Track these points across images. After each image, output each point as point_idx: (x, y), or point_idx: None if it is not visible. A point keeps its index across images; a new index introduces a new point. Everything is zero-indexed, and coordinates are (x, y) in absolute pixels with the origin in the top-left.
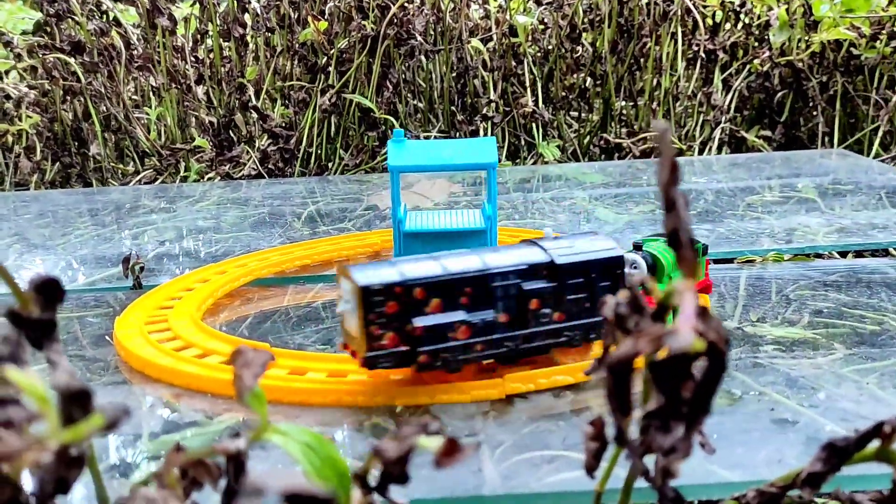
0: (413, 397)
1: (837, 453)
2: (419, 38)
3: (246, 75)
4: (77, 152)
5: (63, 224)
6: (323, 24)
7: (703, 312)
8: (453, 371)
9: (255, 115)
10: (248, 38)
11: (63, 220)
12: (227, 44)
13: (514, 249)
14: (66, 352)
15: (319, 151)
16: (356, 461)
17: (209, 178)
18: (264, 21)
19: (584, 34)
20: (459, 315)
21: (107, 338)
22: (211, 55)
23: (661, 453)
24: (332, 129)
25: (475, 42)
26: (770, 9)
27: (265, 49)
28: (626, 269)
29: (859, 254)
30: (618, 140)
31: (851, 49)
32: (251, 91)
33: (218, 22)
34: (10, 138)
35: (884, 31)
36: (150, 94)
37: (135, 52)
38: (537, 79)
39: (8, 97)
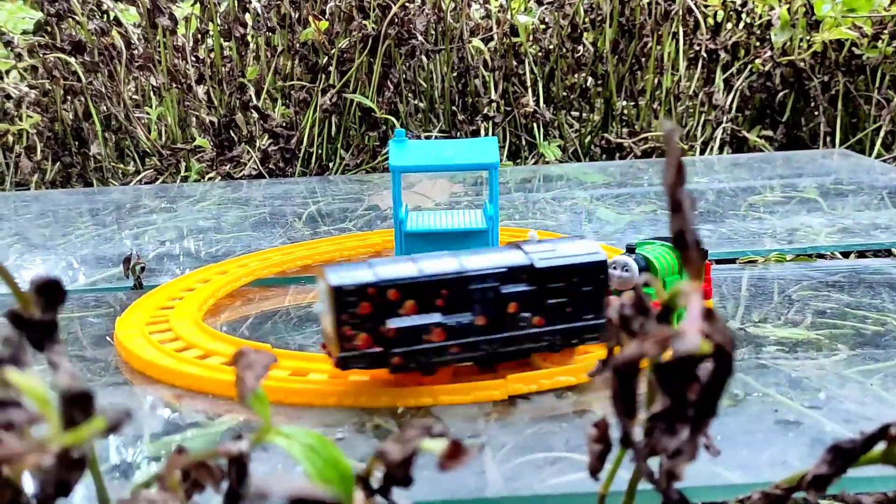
0: (415, 398)
1: (843, 455)
2: (420, 37)
3: (247, 75)
4: (77, 152)
5: (64, 224)
6: (324, 24)
7: (709, 314)
8: (428, 374)
9: (255, 114)
10: (249, 37)
11: (64, 219)
12: (227, 43)
13: (495, 252)
14: (67, 352)
15: (320, 151)
16: (358, 463)
17: (210, 178)
18: (265, 21)
19: (585, 34)
20: (435, 317)
21: (107, 338)
22: (212, 55)
23: (667, 456)
24: (333, 128)
25: (476, 42)
26: (772, 8)
27: (266, 49)
28: (618, 272)
29: (861, 254)
30: (619, 140)
31: (853, 49)
32: (252, 91)
33: (219, 21)
34: (10, 138)
35: (886, 31)
36: (151, 93)
37: (135, 52)
38: (538, 78)
39: (8, 97)
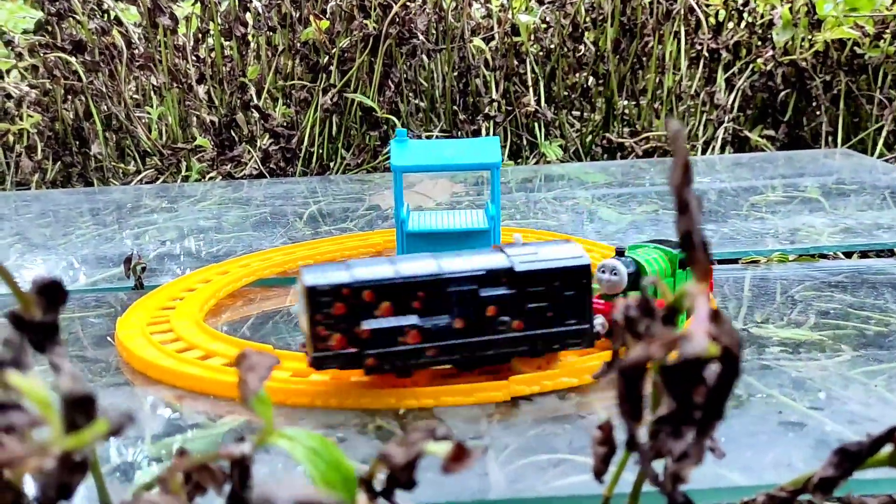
0: (417, 399)
1: (850, 458)
2: (421, 37)
3: (247, 74)
4: (78, 152)
5: (64, 224)
6: (325, 23)
7: (715, 315)
8: (403, 376)
9: (256, 114)
10: (250, 37)
11: (64, 219)
12: (228, 43)
13: (476, 254)
14: (68, 353)
15: (321, 151)
16: (360, 464)
17: (210, 178)
18: (266, 20)
19: (586, 33)
20: (410, 319)
21: (108, 338)
22: (212, 54)
23: (673, 459)
24: (334, 128)
25: (477, 41)
26: (773, 8)
27: (267, 48)
28: (606, 276)
29: (864, 254)
30: (620, 140)
31: (855, 48)
32: (252, 90)
33: (219, 21)
34: (11, 138)
35: (888, 31)
36: (152, 93)
37: (136, 52)
38: (539, 78)
39: (9, 96)
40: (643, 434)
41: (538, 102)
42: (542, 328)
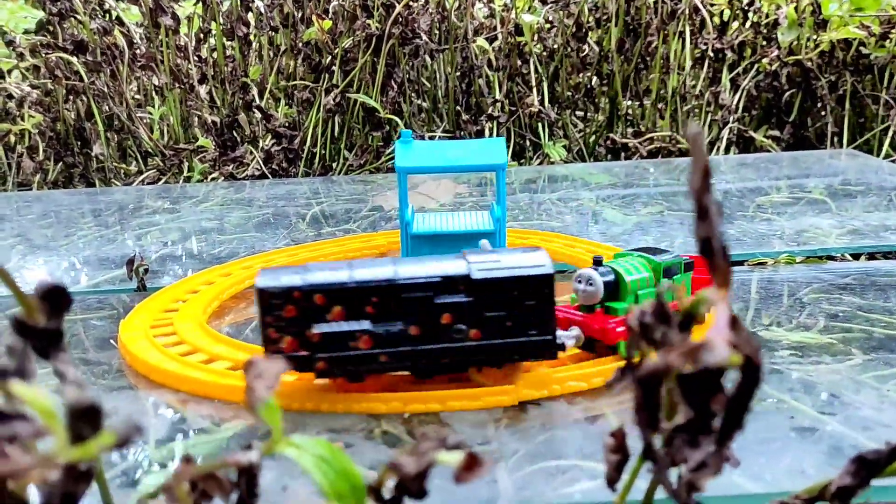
0: (424, 404)
1: (868, 466)
2: (424, 37)
3: (249, 75)
4: (80, 152)
5: (66, 225)
6: (327, 24)
7: (734, 323)
8: (354, 381)
9: (258, 114)
10: (252, 37)
11: (66, 220)
12: (230, 43)
13: (434, 261)
14: (70, 356)
15: (323, 151)
16: (367, 470)
17: (212, 179)
18: (268, 20)
19: (590, 33)
20: (363, 324)
21: (111, 341)
22: (214, 54)
23: (690, 468)
24: (336, 128)
25: (480, 41)
26: (778, 7)
27: (269, 48)
28: (582, 286)
29: (872, 256)
30: (624, 140)
31: (861, 48)
32: (255, 91)
33: (221, 21)
34: (12, 138)
35: (894, 30)
36: (153, 93)
37: (138, 52)
38: (543, 78)
39: (10, 97)
40: (657, 440)
41: (542, 103)
42: (500, 338)
